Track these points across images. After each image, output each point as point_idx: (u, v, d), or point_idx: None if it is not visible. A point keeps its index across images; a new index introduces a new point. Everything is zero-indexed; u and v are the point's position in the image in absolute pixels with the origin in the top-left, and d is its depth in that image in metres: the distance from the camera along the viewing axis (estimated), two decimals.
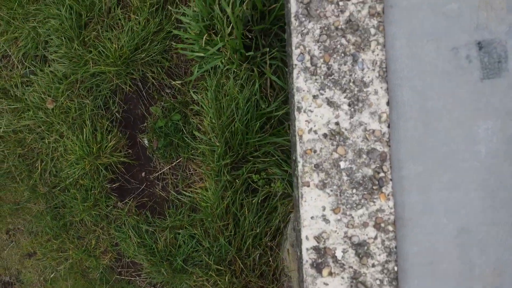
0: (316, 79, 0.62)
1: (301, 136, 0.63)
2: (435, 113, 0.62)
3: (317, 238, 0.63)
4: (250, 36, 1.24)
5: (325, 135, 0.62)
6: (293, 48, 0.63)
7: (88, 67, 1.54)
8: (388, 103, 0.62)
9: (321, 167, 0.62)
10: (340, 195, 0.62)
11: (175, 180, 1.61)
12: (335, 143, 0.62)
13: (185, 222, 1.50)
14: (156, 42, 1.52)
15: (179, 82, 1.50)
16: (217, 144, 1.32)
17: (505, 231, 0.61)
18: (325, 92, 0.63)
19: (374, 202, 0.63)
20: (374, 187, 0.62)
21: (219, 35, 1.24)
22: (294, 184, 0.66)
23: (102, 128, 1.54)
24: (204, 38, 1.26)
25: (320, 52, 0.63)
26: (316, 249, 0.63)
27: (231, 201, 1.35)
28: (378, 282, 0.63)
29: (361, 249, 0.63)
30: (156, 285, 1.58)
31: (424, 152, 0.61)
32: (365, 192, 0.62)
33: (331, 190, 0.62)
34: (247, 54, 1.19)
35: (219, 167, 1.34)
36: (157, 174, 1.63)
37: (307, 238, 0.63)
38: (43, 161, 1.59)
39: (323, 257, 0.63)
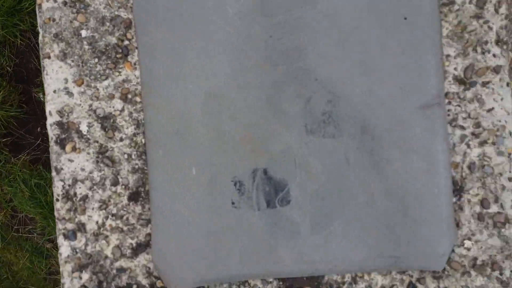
0: None
1: (40, 5, 0.59)
2: None
3: (60, 112, 0.59)
4: None
5: (64, 3, 0.58)
6: None
7: None
8: None
9: (60, 36, 0.59)
10: (83, 66, 0.59)
11: None
12: (75, 10, 0.58)
13: None
14: None
15: None
16: None
17: (253, 95, 0.58)
18: None
19: (119, 72, 0.59)
20: (119, 56, 0.59)
21: None
22: None
23: None
24: None
25: None
26: (59, 124, 0.59)
27: None
28: (126, 156, 0.59)
29: (107, 123, 0.59)
30: (53, 241, 1.54)
31: (169, 15, 0.58)
32: (110, 62, 0.59)
33: (73, 61, 0.59)
34: None
35: None
36: None
37: (50, 113, 0.59)
38: None
39: (66, 132, 0.59)
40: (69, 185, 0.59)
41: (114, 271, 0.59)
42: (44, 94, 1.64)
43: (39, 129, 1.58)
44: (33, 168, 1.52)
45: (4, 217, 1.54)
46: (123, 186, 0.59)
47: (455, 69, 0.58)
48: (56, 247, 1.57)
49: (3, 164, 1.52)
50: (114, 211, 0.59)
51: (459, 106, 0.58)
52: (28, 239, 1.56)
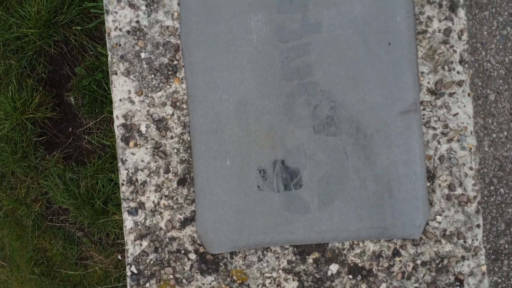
0: None
1: (109, 34, 0.76)
2: (215, 8, 0.75)
3: (125, 116, 0.76)
4: None
5: (128, 32, 0.76)
6: None
7: (12, 31, 1.67)
8: (178, 4, 0.76)
9: (125, 57, 0.76)
10: (142, 80, 0.76)
11: (100, 134, 1.74)
12: (136, 38, 0.76)
13: (106, 169, 1.64)
14: (74, 5, 1.65)
15: (79, 28, 1.62)
16: None
17: (273, 102, 0.75)
18: None
19: (170, 85, 0.76)
20: (170, 73, 0.76)
21: None
22: None
23: (27, 86, 1.67)
24: None
25: None
26: (124, 125, 0.76)
27: None
28: (175, 150, 0.76)
29: (161, 124, 0.76)
30: (84, 229, 1.71)
31: (208, 41, 0.75)
32: (162, 77, 0.76)
33: (134, 76, 0.76)
34: None
35: None
36: (83, 128, 1.76)
37: (117, 117, 0.76)
38: None
39: (130, 131, 0.76)
40: (132, 173, 0.76)
41: (167, 239, 0.77)
42: (74, 98, 1.82)
43: (70, 129, 1.76)
44: (66, 164, 1.70)
45: (40, 208, 1.72)
46: (173, 174, 0.77)
47: (428, 82, 0.75)
48: (86, 236, 1.75)
49: (39, 160, 1.70)
50: (167, 193, 0.77)
51: (431, 111, 0.76)
52: (61, 228, 1.74)
